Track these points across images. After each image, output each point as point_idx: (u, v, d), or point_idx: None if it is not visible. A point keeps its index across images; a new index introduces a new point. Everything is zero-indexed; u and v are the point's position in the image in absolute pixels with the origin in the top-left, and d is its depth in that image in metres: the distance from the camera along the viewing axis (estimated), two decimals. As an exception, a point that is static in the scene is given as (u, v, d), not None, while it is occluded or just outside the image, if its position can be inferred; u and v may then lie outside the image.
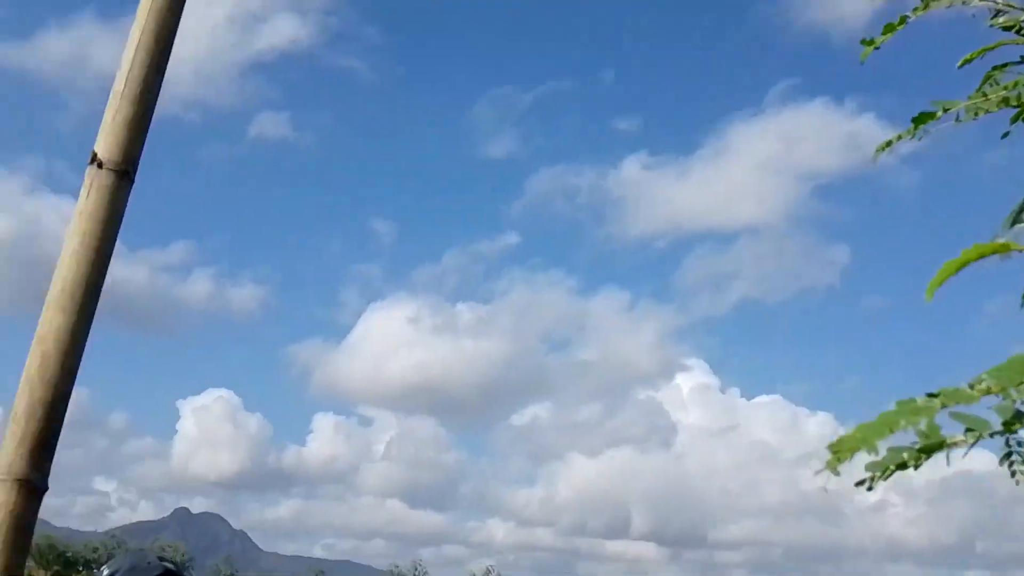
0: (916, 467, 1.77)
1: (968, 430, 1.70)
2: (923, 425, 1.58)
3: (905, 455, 1.75)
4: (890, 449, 1.75)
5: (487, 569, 65.88)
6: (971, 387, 1.61)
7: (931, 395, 1.67)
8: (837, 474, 1.59)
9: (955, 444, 1.70)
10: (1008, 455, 1.77)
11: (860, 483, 1.79)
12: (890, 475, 1.78)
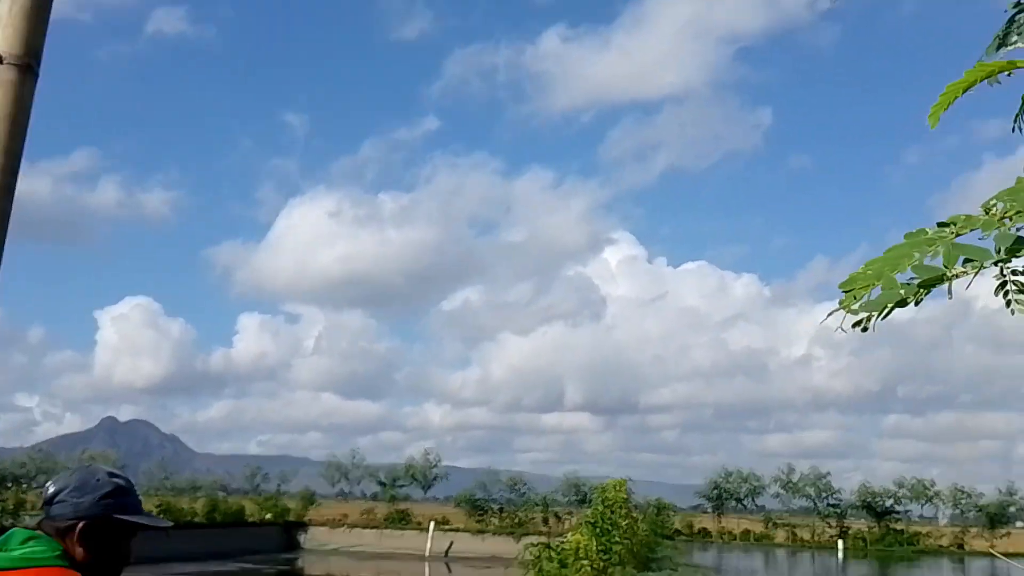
0: (917, 303, 1.73)
1: (967, 260, 1.66)
2: (941, 256, 1.53)
3: (903, 291, 1.70)
4: (886, 286, 1.70)
5: (425, 451, 66.99)
6: (986, 211, 1.55)
7: (942, 224, 1.61)
8: (854, 313, 1.54)
9: (956, 276, 1.66)
10: (1003, 285, 1.73)
11: (856, 324, 1.75)
12: (888, 313, 1.74)
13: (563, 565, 15.46)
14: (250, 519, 46.62)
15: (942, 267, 1.57)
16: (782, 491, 74.92)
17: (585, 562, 16.01)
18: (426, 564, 42.74)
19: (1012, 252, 1.56)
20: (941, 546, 67.02)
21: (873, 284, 1.47)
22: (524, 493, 63.17)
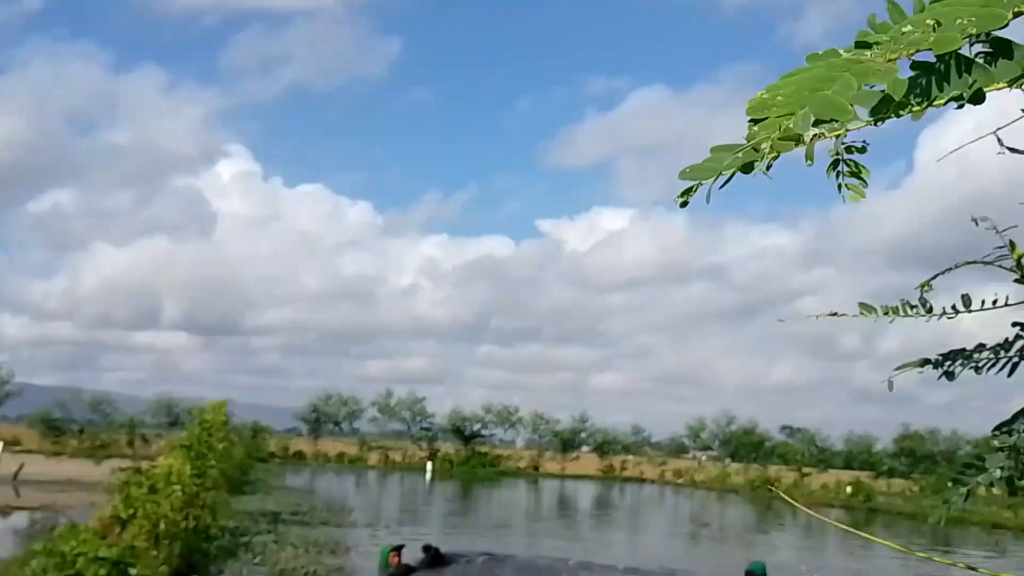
0: (767, 169, 1.28)
1: (818, 122, 1.24)
2: (889, 85, 1.06)
3: (740, 155, 1.26)
4: (818, 110, 1.25)
5: (-4, 366, 60.72)
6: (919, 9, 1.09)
7: (861, 43, 1.15)
8: (773, 144, 1.03)
9: (818, 137, 1.24)
10: (835, 164, 1.34)
11: (684, 194, 1.28)
12: (727, 181, 1.29)
13: (153, 490, 14.38)
14: None
15: (796, 131, 1.14)
16: (379, 415, 77.07)
17: (177, 487, 15.04)
18: (-9, 489, 38.73)
19: (876, 113, 1.16)
20: (520, 468, 72.44)
21: (796, 110, 0.99)
22: (109, 414, 59.57)
